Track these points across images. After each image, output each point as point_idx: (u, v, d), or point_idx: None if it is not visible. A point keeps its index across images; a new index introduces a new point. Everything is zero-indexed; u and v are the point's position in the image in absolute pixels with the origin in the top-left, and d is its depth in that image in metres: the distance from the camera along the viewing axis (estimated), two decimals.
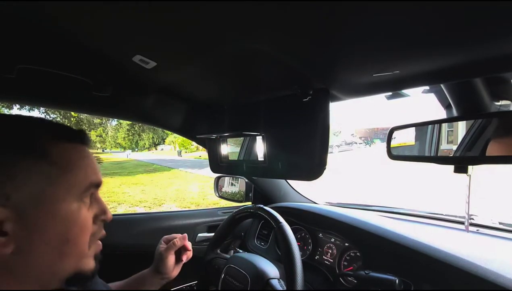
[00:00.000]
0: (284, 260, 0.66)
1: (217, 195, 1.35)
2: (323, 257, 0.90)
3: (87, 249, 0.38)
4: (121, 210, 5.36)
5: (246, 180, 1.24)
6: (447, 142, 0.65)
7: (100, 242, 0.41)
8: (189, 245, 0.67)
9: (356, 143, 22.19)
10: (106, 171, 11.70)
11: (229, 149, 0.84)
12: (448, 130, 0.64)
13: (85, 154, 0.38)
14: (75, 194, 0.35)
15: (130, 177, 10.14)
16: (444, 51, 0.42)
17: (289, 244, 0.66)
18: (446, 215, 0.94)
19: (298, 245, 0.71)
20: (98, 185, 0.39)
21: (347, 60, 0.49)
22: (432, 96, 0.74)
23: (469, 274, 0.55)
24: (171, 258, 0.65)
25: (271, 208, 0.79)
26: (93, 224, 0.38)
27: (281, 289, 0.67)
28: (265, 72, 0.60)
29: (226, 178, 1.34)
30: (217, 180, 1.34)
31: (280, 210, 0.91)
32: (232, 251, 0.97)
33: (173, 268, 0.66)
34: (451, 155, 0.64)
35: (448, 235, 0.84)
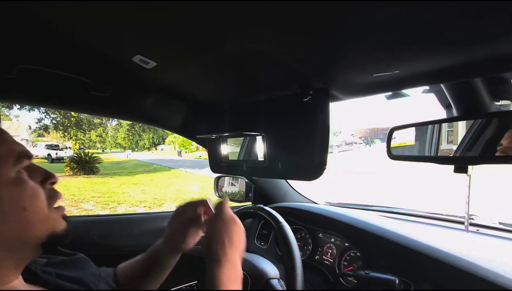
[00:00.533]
0: (284, 260, 0.66)
1: (217, 195, 1.35)
2: (323, 257, 0.90)
3: (48, 212, 0.39)
4: (121, 210, 5.36)
5: (246, 180, 1.24)
6: (447, 142, 0.65)
7: (63, 206, 0.42)
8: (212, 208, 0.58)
9: (356, 143, 22.20)
10: (106, 171, 11.69)
11: (229, 149, 0.84)
12: (448, 130, 0.64)
13: None
14: (9, 166, 0.36)
15: (130, 177, 10.13)
16: (444, 51, 0.42)
17: (289, 244, 0.66)
18: (446, 215, 0.94)
19: (298, 245, 0.71)
20: (28, 155, 0.39)
21: (347, 60, 0.49)
22: (432, 96, 0.74)
23: (469, 274, 0.55)
24: (187, 231, 0.58)
25: (271, 208, 0.79)
26: (43, 189, 0.39)
27: (281, 289, 0.67)
28: (265, 72, 0.60)
29: (226, 178, 1.34)
30: (217, 180, 1.34)
31: (280, 210, 0.91)
32: None
33: (192, 240, 0.59)
34: (451, 155, 0.64)
35: (448, 235, 0.84)
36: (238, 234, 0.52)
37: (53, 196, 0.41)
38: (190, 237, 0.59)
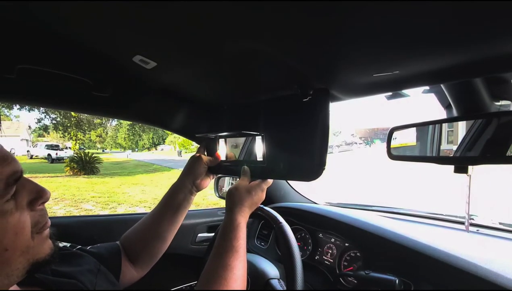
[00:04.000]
0: (284, 260, 0.66)
1: (217, 195, 1.35)
2: (323, 257, 0.90)
3: (32, 242, 0.34)
4: (121, 210, 5.35)
5: None
6: (447, 143, 0.65)
7: (48, 223, 0.37)
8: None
9: (356, 143, 22.26)
10: (106, 171, 11.70)
11: (228, 149, 0.84)
12: (448, 131, 0.64)
13: None
14: None
15: (130, 177, 10.13)
16: (444, 51, 0.42)
17: (289, 244, 0.66)
18: (446, 215, 0.94)
19: (298, 245, 0.71)
20: (17, 176, 0.33)
21: (347, 60, 0.49)
22: (432, 96, 0.74)
23: (469, 274, 0.55)
24: (202, 168, 0.75)
25: (271, 208, 0.79)
26: (31, 212, 0.34)
27: (281, 289, 0.67)
28: (265, 72, 0.60)
29: (226, 178, 1.34)
30: (217, 180, 1.34)
31: (280, 210, 0.91)
32: None
33: (207, 180, 0.77)
34: (451, 155, 0.64)
35: (448, 235, 0.84)
36: (255, 197, 0.65)
37: (40, 220, 0.35)
38: (204, 173, 0.74)
